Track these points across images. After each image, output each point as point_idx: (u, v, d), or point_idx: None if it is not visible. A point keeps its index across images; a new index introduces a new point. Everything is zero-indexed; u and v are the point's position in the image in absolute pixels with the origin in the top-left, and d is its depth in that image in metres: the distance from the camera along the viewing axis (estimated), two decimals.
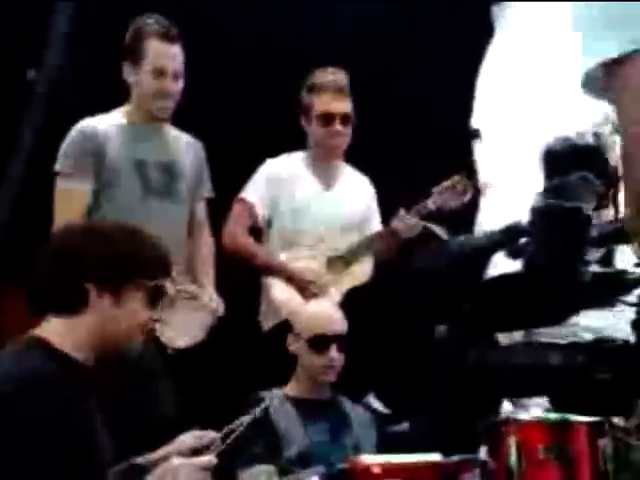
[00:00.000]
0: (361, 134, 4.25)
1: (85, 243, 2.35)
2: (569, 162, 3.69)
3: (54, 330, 2.32)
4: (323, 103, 4.14)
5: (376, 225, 4.30)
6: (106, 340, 2.34)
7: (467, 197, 4.17)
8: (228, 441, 2.50)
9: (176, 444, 2.59)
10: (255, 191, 4.18)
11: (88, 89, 4.19)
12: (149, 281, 2.37)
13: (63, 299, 2.32)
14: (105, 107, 3.87)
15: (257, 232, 4.22)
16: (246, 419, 2.57)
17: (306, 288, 4.08)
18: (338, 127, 4.14)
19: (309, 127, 4.20)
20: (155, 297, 2.40)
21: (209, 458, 2.36)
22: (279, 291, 4.13)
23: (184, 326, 3.68)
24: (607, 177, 3.67)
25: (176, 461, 2.33)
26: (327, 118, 4.14)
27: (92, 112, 3.85)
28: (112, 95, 3.91)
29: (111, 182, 3.73)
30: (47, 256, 2.37)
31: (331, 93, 4.13)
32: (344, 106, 4.15)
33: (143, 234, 2.43)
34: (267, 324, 4.14)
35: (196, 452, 2.58)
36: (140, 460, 2.55)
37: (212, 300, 3.79)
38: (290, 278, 4.10)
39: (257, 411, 2.60)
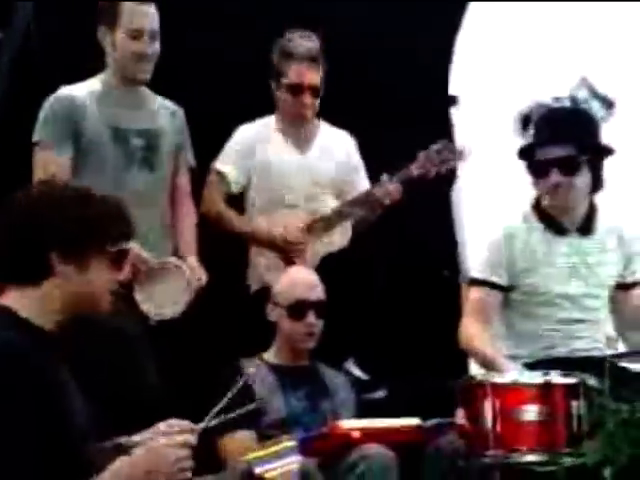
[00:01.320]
0: (340, 100, 4.23)
1: (45, 212, 2.30)
2: (546, 127, 3.69)
3: (18, 298, 2.29)
4: (295, 73, 4.09)
5: (360, 180, 4.25)
6: (73, 306, 2.32)
7: (452, 165, 4.16)
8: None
9: (154, 431, 2.59)
10: (227, 159, 4.15)
11: (56, 52, 4.12)
12: (112, 245, 2.35)
13: (26, 271, 2.29)
14: (74, 69, 3.82)
15: (237, 199, 4.20)
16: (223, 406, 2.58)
17: (286, 252, 4.07)
18: (307, 99, 4.11)
19: (278, 92, 4.17)
20: (119, 260, 2.38)
21: (190, 437, 2.34)
22: (263, 256, 4.13)
23: (165, 298, 3.67)
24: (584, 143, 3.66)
25: (160, 439, 2.33)
26: (298, 89, 4.10)
27: (61, 75, 3.80)
28: (81, 57, 3.86)
29: (90, 151, 3.69)
30: (6, 226, 2.33)
31: (304, 63, 4.08)
32: (315, 77, 4.10)
33: (103, 198, 2.38)
34: (254, 286, 4.14)
35: None
36: (121, 440, 2.55)
37: (194, 271, 3.78)
38: (270, 244, 4.09)
39: (237, 386, 2.60)
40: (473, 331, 3.61)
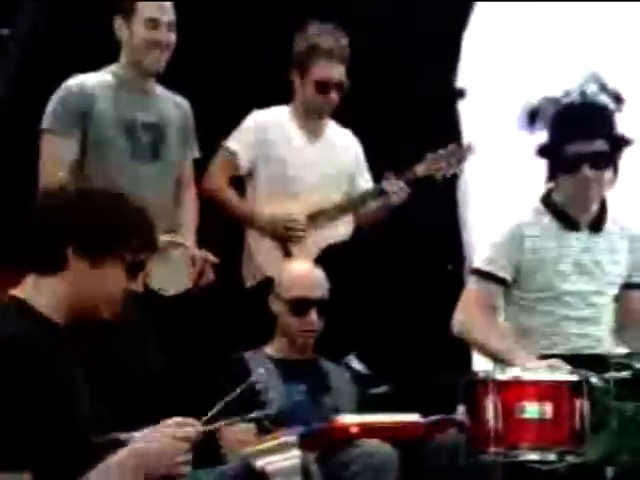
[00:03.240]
0: (346, 94, 4.21)
1: (72, 205, 2.33)
2: (573, 122, 3.64)
3: (31, 289, 2.31)
4: (324, 70, 4.08)
5: (364, 181, 4.25)
6: (81, 304, 2.33)
7: (458, 169, 4.13)
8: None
9: (159, 427, 2.58)
10: (240, 140, 4.13)
11: (63, 47, 4.13)
12: (130, 255, 2.35)
13: (42, 257, 2.31)
14: (80, 65, 3.82)
15: (240, 182, 4.18)
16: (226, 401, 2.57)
17: (285, 238, 4.06)
18: (333, 95, 4.11)
19: (301, 85, 4.14)
20: (134, 270, 2.37)
21: (190, 430, 2.34)
22: (262, 248, 4.10)
23: (169, 275, 3.67)
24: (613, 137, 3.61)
25: (156, 432, 2.33)
26: (325, 86, 4.10)
27: (67, 70, 3.80)
28: (88, 53, 3.87)
29: (99, 141, 3.70)
30: (32, 214, 2.36)
31: (333, 60, 4.08)
32: (342, 74, 4.11)
33: (133, 205, 2.40)
34: (250, 281, 4.11)
35: None
36: (124, 437, 2.54)
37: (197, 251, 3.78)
38: (269, 227, 4.07)
39: (239, 390, 2.60)
40: (476, 322, 3.54)
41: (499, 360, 3.43)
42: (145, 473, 2.25)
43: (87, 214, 2.32)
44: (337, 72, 4.09)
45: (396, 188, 4.04)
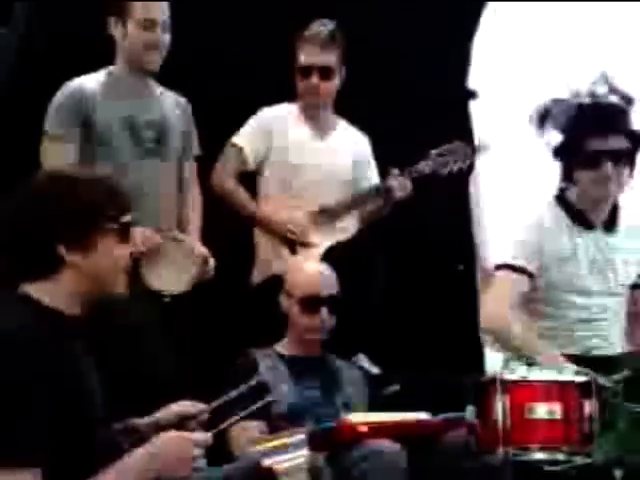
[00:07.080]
0: (356, 93, 4.21)
1: (41, 210, 2.31)
2: (594, 118, 3.64)
3: (36, 289, 2.31)
4: (303, 56, 4.11)
5: (372, 179, 4.24)
6: (90, 290, 2.34)
7: (464, 164, 4.13)
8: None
9: (165, 411, 2.61)
10: (246, 135, 4.16)
11: (58, 46, 4.15)
12: (113, 222, 2.36)
13: (39, 268, 2.31)
14: (76, 63, 3.86)
15: (250, 176, 4.20)
16: (234, 394, 2.60)
17: (287, 240, 4.07)
18: (315, 81, 4.10)
19: (296, 78, 4.16)
20: (124, 234, 2.38)
21: (206, 436, 2.38)
22: (266, 245, 4.12)
23: (173, 273, 3.69)
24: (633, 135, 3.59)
25: (173, 434, 2.36)
26: (305, 71, 4.11)
27: (62, 69, 3.83)
28: (83, 51, 3.92)
29: (102, 141, 3.72)
30: (8, 230, 2.34)
31: (312, 46, 4.09)
32: (324, 59, 4.08)
33: (91, 180, 2.40)
34: (256, 278, 4.14)
35: (183, 420, 2.60)
36: (134, 422, 2.56)
37: (200, 249, 3.80)
38: (272, 230, 4.09)
39: (248, 387, 2.62)
40: (509, 316, 3.52)
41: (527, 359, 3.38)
42: (160, 474, 2.28)
43: (58, 211, 2.30)
44: (317, 57, 4.08)
45: (398, 184, 4.04)
